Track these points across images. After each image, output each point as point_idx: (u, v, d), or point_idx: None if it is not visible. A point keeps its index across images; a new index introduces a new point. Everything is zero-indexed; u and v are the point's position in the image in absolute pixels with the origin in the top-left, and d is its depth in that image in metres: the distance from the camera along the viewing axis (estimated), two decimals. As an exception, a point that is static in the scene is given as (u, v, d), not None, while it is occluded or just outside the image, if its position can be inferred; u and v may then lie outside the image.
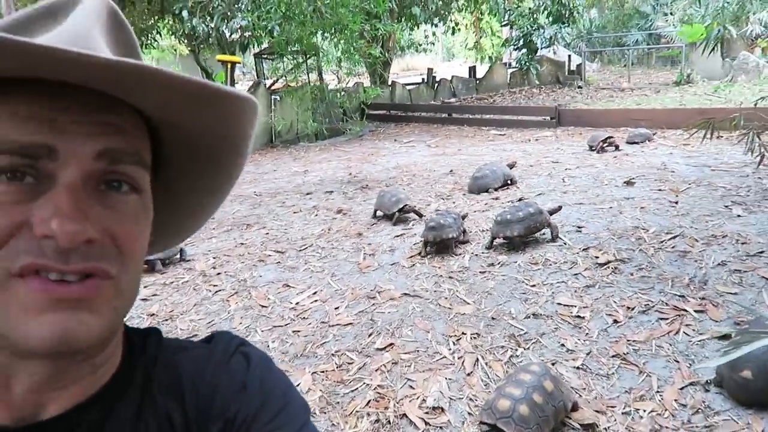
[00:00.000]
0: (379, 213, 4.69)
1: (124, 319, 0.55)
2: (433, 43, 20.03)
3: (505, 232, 3.57)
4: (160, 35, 15.78)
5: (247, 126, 0.56)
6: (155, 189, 0.55)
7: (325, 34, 8.27)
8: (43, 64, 0.42)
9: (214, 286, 3.73)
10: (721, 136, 5.71)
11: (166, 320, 3.31)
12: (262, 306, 3.35)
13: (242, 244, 4.52)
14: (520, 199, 4.71)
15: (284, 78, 12.92)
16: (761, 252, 3.19)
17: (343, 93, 10.62)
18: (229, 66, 9.39)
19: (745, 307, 2.58)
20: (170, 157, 0.58)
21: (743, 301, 2.72)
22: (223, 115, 0.53)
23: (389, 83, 14.18)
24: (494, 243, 3.73)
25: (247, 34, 11.49)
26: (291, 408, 0.59)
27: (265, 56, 14.07)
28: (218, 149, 0.58)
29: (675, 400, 2.13)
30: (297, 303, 3.33)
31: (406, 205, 4.41)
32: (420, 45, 19.26)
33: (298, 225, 4.89)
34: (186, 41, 15.93)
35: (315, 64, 11.36)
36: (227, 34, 12.48)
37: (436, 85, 14.80)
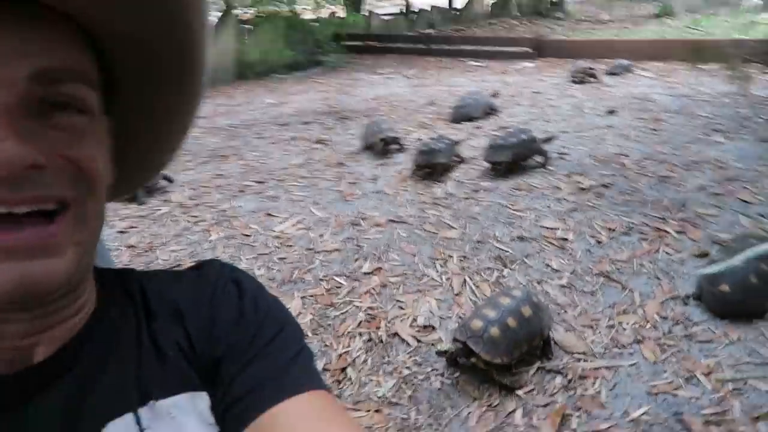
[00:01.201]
0: (364, 143, 4.61)
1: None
2: (410, -28, 19.25)
3: (494, 157, 3.56)
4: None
5: (197, 27, 0.49)
6: (116, 118, 0.52)
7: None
8: None
9: (194, 216, 3.66)
10: (701, 68, 5.73)
11: (146, 252, 3.25)
12: (245, 235, 3.31)
13: (220, 175, 4.42)
14: (502, 128, 4.68)
15: (256, 6, 12.36)
16: (739, 176, 3.26)
17: (317, 23, 10.24)
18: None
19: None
20: (123, 80, 0.53)
21: (721, 222, 2.79)
22: (165, 12, 0.46)
23: (366, 13, 13.70)
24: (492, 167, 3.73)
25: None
26: (286, 332, 0.58)
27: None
28: (170, 60, 0.52)
29: (656, 313, 2.21)
30: (281, 231, 3.31)
31: (386, 136, 4.32)
32: (396, -27, 18.51)
33: (277, 156, 4.79)
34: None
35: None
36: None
37: (414, 15, 14.35)
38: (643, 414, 1.79)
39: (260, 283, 0.63)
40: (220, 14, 11.29)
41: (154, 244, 3.31)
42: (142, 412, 0.50)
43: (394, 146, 4.41)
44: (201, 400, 0.53)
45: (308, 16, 11.28)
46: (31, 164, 0.40)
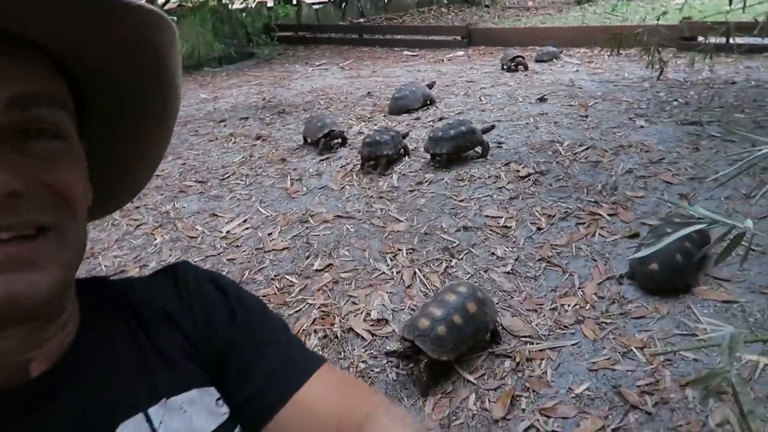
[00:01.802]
0: (307, 139, 4.57)
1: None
2: (338, -41, 19.08)
3: (435, 149, 3.65)
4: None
5: (165, 49, 0.51)
6: (89, 141, 0.53)
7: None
8: None
9: (135, 220, 3.55)
10: (621, 53, 6.03)
11: (87, 258, 3.14)
12: (191, 237, 3.26)
13: (158, 176, 4.29)
14: (441, 119, 4.79)
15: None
16: (662, 159, 3.50)
17: (246, 13, 9.98)
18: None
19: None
20: (95, 105, 0.55)
21: (648, 204, 3.00)
22: (131, 35, 0.48)
23: (294, 2, 13.49)
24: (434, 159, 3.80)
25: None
26: (272, 319, 0.65)
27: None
28: (139, 84, 0.54)
29: (594, 294, 2.36)
30: (228, 231, 3.27)
31: (331, 130, 4.31)
32: (324, -39, 18.29)
33: (216, 153, 4.70)
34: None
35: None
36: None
37: (344, 4, 14.25)
38: (585, 389, 1.92)
39: (231, 279, 0.67)
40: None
41: (95, 249, 3.20)
42: (152, 411, 0.53)
43: (338, 141, 4.41)
44: (208, 394, 0.57)
45: (235, 6, 10.97)
46: (9, 192, 0.42)
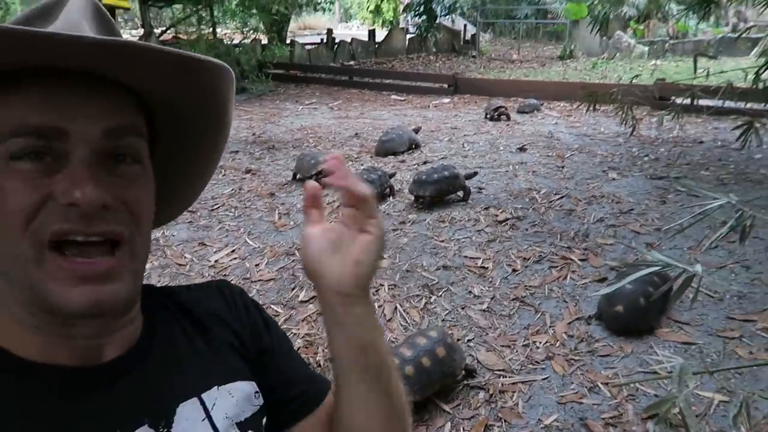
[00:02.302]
0: (299, 176, 4.68)
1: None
2: (332, 3, 19.73)
3: (419, 191, 3.83)
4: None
5: (226, 93, 0.65)
6: (154, 163, 0.63)
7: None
8: (49, 49, 0.49)
9: (124, 246, 3.63)
10: (598, 109, 6.36)
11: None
12: (180, 264, 3.35)
13: (148, 204, 4.39)
14: (425, 163, 4.99)
15: (173, 29, 12.12)
16: (631, 209, 3.72)
17: (240, 49, 10.25)
18: (117, 13, 8.74)
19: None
20: (162, 134, 0.67)
21: (617, 251, 3.19)
22: (202, 82, 0.61)
23: (288, 41, 13.88)
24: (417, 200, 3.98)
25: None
26: (290, 342, 0.80)
27: (151, 3, 13.08)
28: (202, 119, 0.66)
29: (564, 333, 2.51)
30: (216, 261, 3.37)
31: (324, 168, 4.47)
32: (318, 4, 18.91)
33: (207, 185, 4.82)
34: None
35: (208, 16, 10.79)
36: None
37: (336, 46, 14.71)
38: (554, 421, 2.05)
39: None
40: (138, 37, 11.07)
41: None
42: (205, 395, 0.65)
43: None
44: (251, 386, 0.69)
45: (228, 41, 11.28)
46: (102, 204, 0.53)
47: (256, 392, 0.70)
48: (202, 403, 0.64)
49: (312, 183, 0.66)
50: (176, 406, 0.62)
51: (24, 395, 0.56)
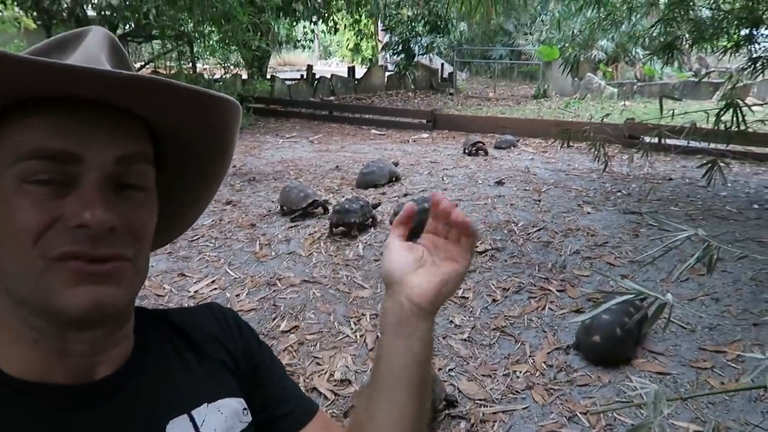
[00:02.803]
0: (285, 208, 4.63)
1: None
2: (312, 40, 20.09)
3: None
4: (4, 4, 14.03)
5: (233, 126, 0.69)
6: (157, 186, 0.66)
7: (204, 23, 8.04)
8: (72, 80, 0.52)
9: (101, 275, 3.59)
10: (572, 146, 6.56)
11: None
12: (158, 295, 3.32)
13: (126, 234, 4.36)
14: (405, 195, 5.07)
15: (152, 64, 12.17)
16: (606, 242, 3.83)
17: (221, 83, 10.36)
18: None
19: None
20: (167, 158, 0.70)
21: (593, 282, 3.28)
22: (215, 118, 0.66)
23: (268, 77, 14.05)
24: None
25: (107, 13, 10.66)
26: (277, 359, 0.83)
27: (130, 39, 13.17)
28: (207, 148, 0.70)
29: (544, 362, 2.55)
30: (196, 291, 3.35)
31: (314, 200, 4.45)
32: (298, 41, 19.23)
33: (186, 215, 4.80)
34: (36, 14, 14.38)
35: (188, 52, 10.89)
36: (90, 12, 11.56)
37: (316, 82, 14.93)
38: (535, 450, 2.07)
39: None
40: (118, 69, 11.05)
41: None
42: (195, 412, 0.67)
43: (320, 210, 4.56)
44: (239, 403, 0.72)
45: (208, 75, 11.39)
46: (110, 227, 0.55)
47: (245, 409, 0.72)
48: (192, 419, 0.66)
49: (411, 204, 0.73)
50: (166, 424, 0.64)
51: (20, 413, 0.57)
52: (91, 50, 0.62)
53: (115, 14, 9.92)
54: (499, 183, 5.45)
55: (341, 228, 4.04)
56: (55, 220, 0.54)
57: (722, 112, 3.04)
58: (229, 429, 0.69)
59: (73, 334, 0.59)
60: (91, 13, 11.58)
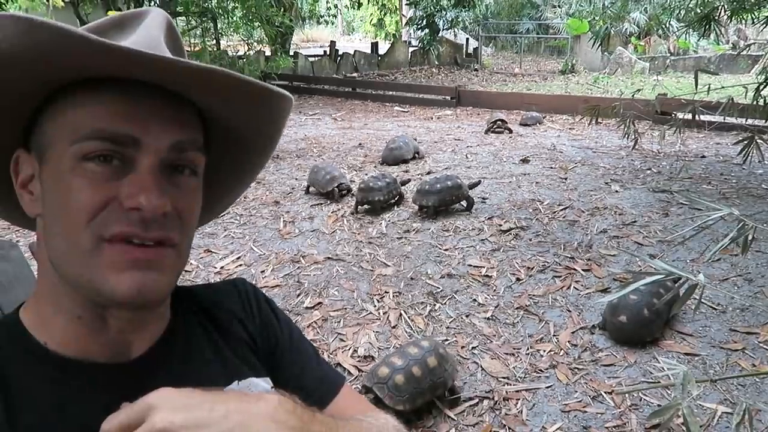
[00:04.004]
0: (312, 189, 4.60)
1: None
2: (335, 16, 19.91)
3: (422, 201, 3.86)
4: (32, -18, 14.19)
5: (283, 121, 0.70)
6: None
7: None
8: (135, 64, 0.52)
9: (129, 251, 3.66)
10: (600, 122, 6.41)
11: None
12: (186, 271, 3.35)
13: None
14: (429, 173, 5.03)
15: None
16: (634, 221, 3.75)
17: (244, 60, 10.36)
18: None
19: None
20: (214, 142, 0.70)
21: (620, 262, 3.22)
22: (268, 111, 0.66)
23: (291, 53, 13.99)
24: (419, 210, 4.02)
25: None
26: (305, 340, 0.84)
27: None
28: (255, 137, 0.71)
29: (568, 342, 2.53)
30: (222, 267, 3.39)
31: (341, 183, 4.35)
32: (321, 16, 19.09)
33: (211, 192, 4.85)
34: (64, -8, 14.53)
35: (212, 29, 10.89)
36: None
37: (339, 58, 14.82)
38: (557, 429, 2.06)
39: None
40: (144, 46, 11.12)
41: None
42: (227, 389, 0.67)
43: (345, 192, 4.43)
44: (265, 381, 0.73)
45: (232, 52, 11.39)
46: (163, 212, 0.57)
47: (272, 387, 0.73)
48: None
49: None
50: None
51: (63, 388, 0.59)
52: (152, 32, 0.62)
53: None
54: (525, 161, 5.36)
55: (365, 206, 4.03)
56: (110, 200, 0.55)
57: (762, 87, 2.92)
58: None
59: (115, 312, 0.60)
60: (116, -11, 11.66)
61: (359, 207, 4.06)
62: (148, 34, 0.61)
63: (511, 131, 6.99)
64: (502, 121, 7.05)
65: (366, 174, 5.21)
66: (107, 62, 0.52)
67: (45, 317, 0.61)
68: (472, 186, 4.11)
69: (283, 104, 0.66)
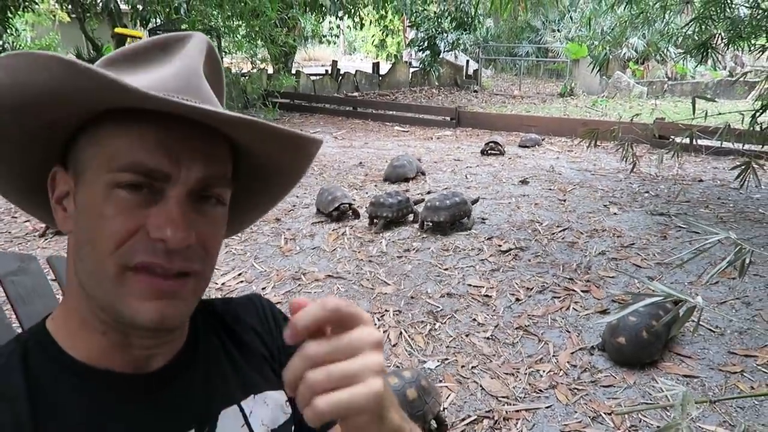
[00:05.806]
0: (320, 209, 4.57)
1: None
2: (337, 36, 20.14)
3: (433, 217, 3.91)
4: (40, -3, 14.35)
5: (310, 161, 0.72)
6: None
7: (233, 18, 8.14)
8: (171, 107, 0.55)
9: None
10: (599, 145, 6.49)
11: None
12: (186, 285, 3.38)
13: (155, 225, 4.44)
14: (428, 192, 5.07)
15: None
16: (632, 244, 3.78)
17: (247, 78, 10.47)
18: (128, 41, 8.97)
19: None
20: (238, 170, 0.71)
21: (619, 284, 3.24)
22: (299, 155, 0.69)
23: (294, 72, 14.14)
24: (424, 226, 4.10)
25: (139, 7, 10.86)
26: None
27: (160, 32, 13.42)
28: (282, 173, 0.73)
29: (567, 362, 2.54)
30: (223, 284, 3.41)
31: (341, 204, 4.36)
32: (324, 36, 19.30)
33: (213, 208, 4.88)
34: (70, 7, 14.67)
35: (215, 46, 11.04)
36: (123, 5, 11.78)
37: (340, 78, 14.97)
38: (558, 450, 2.06)
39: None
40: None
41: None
42: (244, 403, 0.70)
43: (350, 214, 4.46)
44: (281, 395, 0.74)
45: (235, 70, 11.51)
46: (187, 245, 0.58)
47: (287, 401, 0.75)
48: (241, 410, 0.69)
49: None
50: (218, 414, 0.67)
51: (86, 396, 0.61)
52: (192, 62, 0.64)
53: (146, 8, 10.06)
54: (524, 182, 5.41)
55: (375, 220, 4.10)
56: (137, 228, 0.57)
57: (758, 113, 2.97)
58: (274, 420, 0.72)
59: (137, 333, 0.62)
60: (123, 6, 11.83)
61: (373, 220, 4.17)
62: (188, 66, 0.63)
63: (503, 153, 7.02)
64: (495, 143, 7.11)
65: (367, 193, 5.25)
66: (146, 104, 0.55)
67: (72, 329, 0.63)
68: (473, 202, 4.20)
69: (313, 148, 0.68)
